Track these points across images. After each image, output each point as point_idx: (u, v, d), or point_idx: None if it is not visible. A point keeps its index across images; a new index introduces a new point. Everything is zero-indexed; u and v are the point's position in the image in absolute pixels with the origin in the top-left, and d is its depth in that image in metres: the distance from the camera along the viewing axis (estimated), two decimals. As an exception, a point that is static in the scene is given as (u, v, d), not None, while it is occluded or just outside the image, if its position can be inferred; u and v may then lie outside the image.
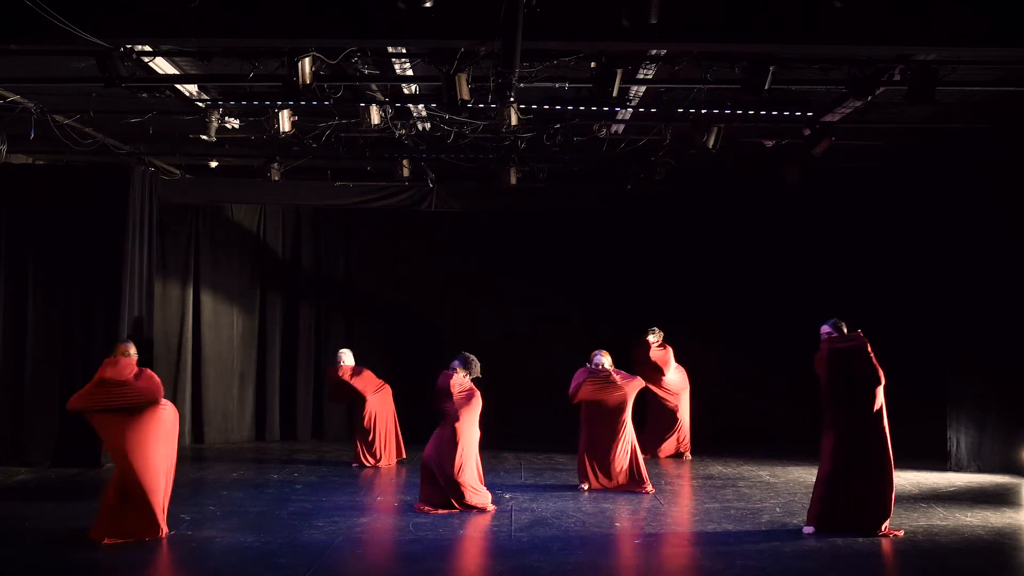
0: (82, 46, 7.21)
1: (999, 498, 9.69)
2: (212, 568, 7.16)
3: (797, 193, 12.01)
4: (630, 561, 7.59)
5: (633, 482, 9.91)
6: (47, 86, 9.06)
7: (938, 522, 8.57)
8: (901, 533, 8.04)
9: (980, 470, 11.01)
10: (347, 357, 11.53)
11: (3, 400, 11.03)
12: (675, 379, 12.08)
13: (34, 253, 11.18)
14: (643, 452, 10.26)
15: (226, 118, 9.78)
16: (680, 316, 13.21)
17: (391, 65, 8.38)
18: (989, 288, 10.98)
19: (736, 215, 13.43)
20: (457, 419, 8.86)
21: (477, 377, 9.20)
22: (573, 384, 10.03)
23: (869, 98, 8.47)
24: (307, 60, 7.63)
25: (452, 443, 8.82)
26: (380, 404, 11.43)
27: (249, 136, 10.54)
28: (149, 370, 7.94)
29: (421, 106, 9.71)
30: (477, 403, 9.07)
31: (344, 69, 8.37)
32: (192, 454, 12.11)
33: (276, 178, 11.99)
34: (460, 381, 9.06)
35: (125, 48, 7.61)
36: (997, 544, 7.95)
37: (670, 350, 12.08)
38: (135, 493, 7.58)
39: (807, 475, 10.43)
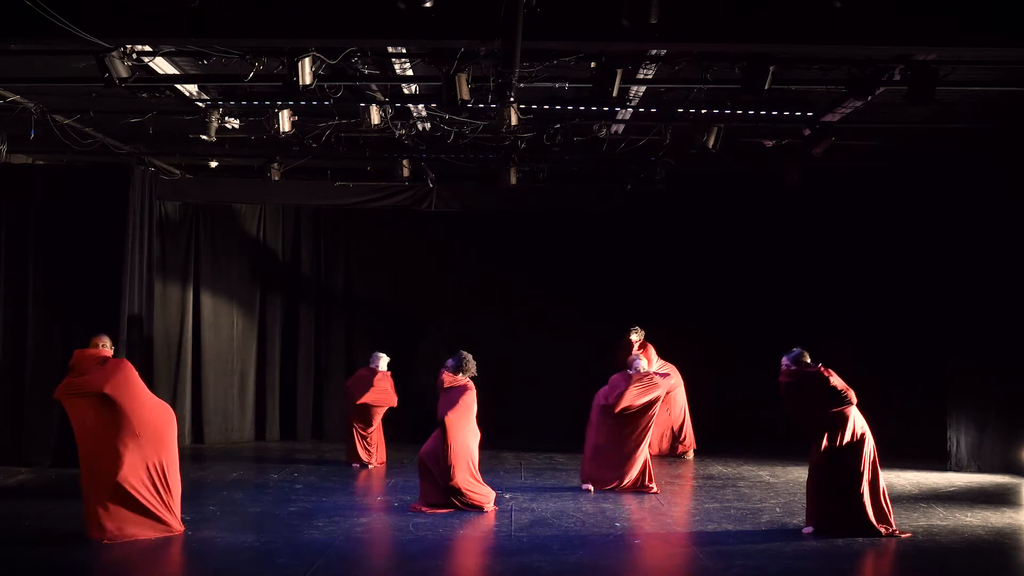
0: (82, 46, 7.21)
1: (999, 498, 9.70)
2: (212, 568, 7.17)
3: (797, 193, 12.00)
4: (630, 561, 7.59)
5: (642, 483, 9.91)
6: (47, 86, 9.05)
7: (938, 522, 8.57)
8: (908, 534, 8.02)
9: (980, 470, 11.02)
10: (385, 361, 11.48)
11: (3, 400, 11.04)
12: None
13: (34, 253, 11.17)
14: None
15: (226, 118, 9.77)
16: (680, 316, 13.23)
17: (391, 65, 8.38)
18: (989, 288, 10.99)
19: (736, 215, 13.43)
20: (443, 417, 8.82)
21: (474, 376, 9.15)
22: (613, 393, 9.90)
23: (869, 98, 8.47)
24: (307, 60, 7.62)
25: (443, 443, 8.80)
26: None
27: (249, 136, 10.54)
28: (114, 361, 7.85)
29: (421, 106, 9.71)
30: (468, 402, 8.96)
31: (344, 69, 8.37)
32: (192, 454, 12.11)
33: (276, 178, 11.99)
34: (451, 379, 9.02)
35: (125, 48, 7.61)
36: (997, 544, 7.95)
37: (651, 348, 12.12)
38: (114, 490, 7.56)
39: (807, 475, 10.42)
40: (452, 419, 8.81)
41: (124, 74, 7.68)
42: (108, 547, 7.42)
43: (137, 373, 8.10)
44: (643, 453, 9.95)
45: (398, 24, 6.91)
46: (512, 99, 8.57)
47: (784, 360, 8.20)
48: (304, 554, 7.28)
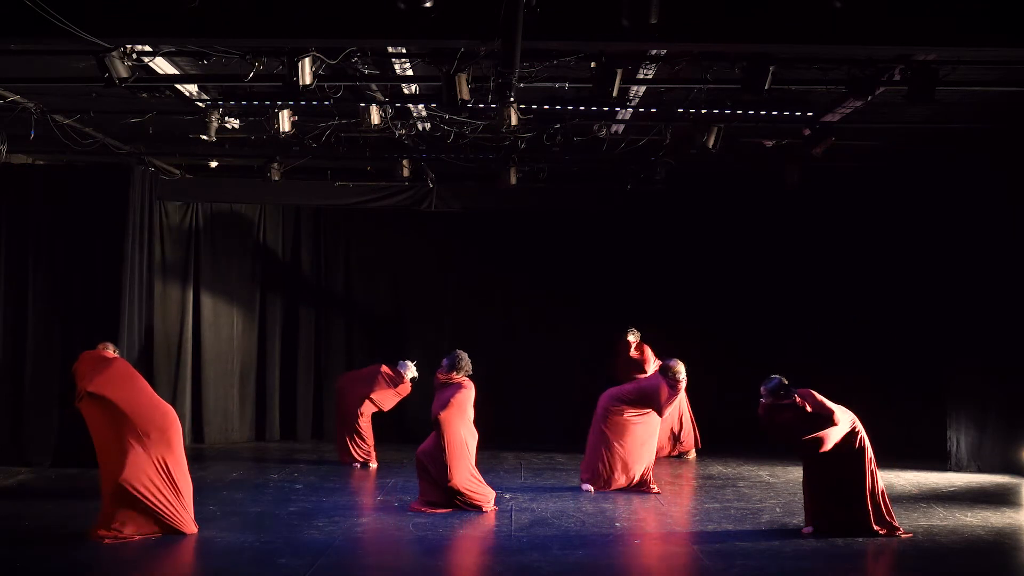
0: (82, 46, 7.21)
1: (999, 498, 9.70)
2: (212, 568, 7.17)
3: (797, 193, 12.00)
4: (630, 561, 7.59)
5: (643, 483, 9.91)
6: (47, 86, 9.06)
7: (938, 522, 8.57)
8: (910, 534, 8.01)
9: (980, 470, 11.02)
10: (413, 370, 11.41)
11: (3, 400, 11.03)
12: None
13: (34, 253, 11.17)
14: None
15: (226, 118, 9.77)
16: (680, 316, 13.23)
17: (391, 65, 8.38)
18: (989, 288, 10.99)
19: (736, 215, 13.43)
20: (437, 416, 8.80)
21: (469, 374, 9.11)
22: (660, 398, 9.72)
23: (869, 98, 8.47)
24: (307, 60, 7.62)
25: (438, 442, 8.78)
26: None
27: (249, 136, 10.54)
28: (106, 362, 7.91)
29: (421, 106, 9.71)
30: (462, 399, 8.90)
31: (344, 69, 8.37)
32: (192, 454, 12.04)
33: (276, 178, 11.99)
34: (445, 378, 8.99)
35: (125, 48, 7.61)
36: (997, 544, 7.95)
37: (647, 349, 12.14)
38: (120, 491, 7.58)
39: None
40: (446, 417, 8.78)
41: (124, 74, 7.68)
42: (108, 547, 7.41)
43: (137, 373, 8.11)
44: (650, 453, 9.94)
45: (398, 24, 6.91)
46: (512, 99, 8.57)
47: (762, 389, 8.06)
48: (304, 554, 7.28)
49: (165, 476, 7.72)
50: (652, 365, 11.95)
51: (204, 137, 9.63)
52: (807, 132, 10.17)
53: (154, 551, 7.40)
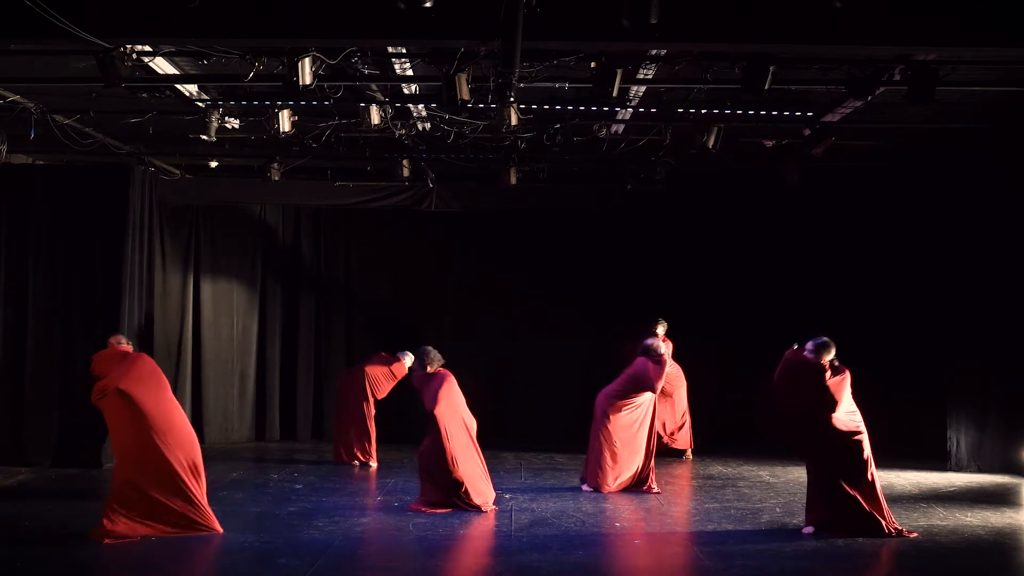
0: (82, 46, 7.20)
1: (999, 498, 9.70)
2: (212, 568, 7.17)
3: (797, 193, 12.00)
4: (630, 561, 7.59)
5: (644, 481, 9.91)
6: (47, 86, 9.05)
7: (938, 522, 8.56)
8: (914, 534, 8.01)
9: (980, 470, 11.02)
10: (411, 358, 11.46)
11: (3, 400, 11.03)
12: (673, 373, 12.13)
13: (34, 253, 11.17)
14: None
15: (226, 118, 9.77)
16: (680, 316, 13.19)
17: (391, 65, 8.38)
18: (989, 288, 10.99)
19: (736, 215, 13.42)
20: (431, 411, 8.80)
21: (443, 364, 9.13)
22: (649, 376, 9.91)
23: (869, 98, 8.47)
24: (307, 60, 7.62)
25: (438, 437, 8.78)
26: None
27: (249, 136, 10.54)
28: (133, 356, 7.97)
29: (421, 106, 9.71)
30: (448, 389, 8.90)
31: (344, 69, 8.37)
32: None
33: (276, 178, 11.99)
34: (422, 375, 9.02)
35: (125, 48, 7.61)
36: (997, 544, 7.95)
37: (671, 345, 12.11)
38: (138, 490, 7.62)
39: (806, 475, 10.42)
40: (440, 412, 8.79)
41: (124, 74, 7.69)
42: (108, 547, 7.41)
43: (161, 371, 8.11)
44: (644, 439, 9.94)
45: (398, 24, 6.91)
46: (512, 99, 8.57)
47: (809, 344, 8.07)
48: (304, 554, 7.28)
49: (190, 476, 7.74)
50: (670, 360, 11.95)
51: (204, 137, 9.63)
52: (807, 132, 10.17)
53: (154, 551, 7.39)
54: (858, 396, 8.17)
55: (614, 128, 10.52)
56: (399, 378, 11.41)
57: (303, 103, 9.14)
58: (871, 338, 12.64)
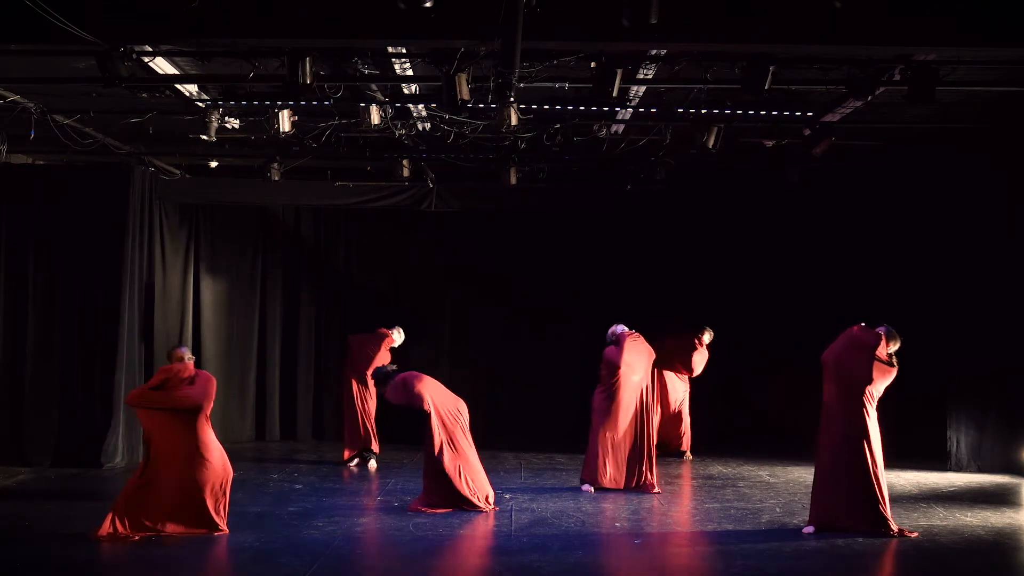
0: (82, 46, 7.20)
1: (999, 498, 9.70)
2: (212, 568, 7.17)
3: (797, 193, 12.00)
4: (630, 561, 7.59)
5: (644, 484, 9.91)
6: (47, 86, 9.05)
7: (938, 522, 8.57)
8: (914, 534, 8.01)
9: (980, 470, 11.02)
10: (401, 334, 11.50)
11: (3, 400, 11.03)
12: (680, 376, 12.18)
13: (34, 253, 11.17)
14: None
15: (226, 118, 9.77)
16: (680, 315, 13.20)
17: (391, 65, 8.37)
18: (989, 288, 10.99)
19: (736, 215, 13.42)
20: (423, 409, 8.81)
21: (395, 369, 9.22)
22: (615, 359, 10.02)
23: (869, 98, 8.47)
24: (307, 60, 7.62)
25: (429, 435, 8.80)
26: None
27: (249, 136, 10.54)
28: (205, 374, 8.05)
29: (421, 106, 9.71)
30: (425, 385, 8.89)
31: (344, 69, 8.37)
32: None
33: (276, 178, 11.98)
34: (393, 384, 8.99)
35: (125, 48, 7.61)
36: (997, 544, 7.95)
37: (706, 354, 12.08)
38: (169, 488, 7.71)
39: (807, 475, 10.40)
40: (430, 408, 8.78)
41: (124, 74, 7.69)
42: (108, 547, 7.43)
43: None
44: (646, 449, 9.95)
45: (398, 24, 6.91)
46: (512, 99, 8.57)
47: (883, 329, 8.23)
48: (304, 554, 7.28)
49: (220, 494, 7.89)
50: (699, 356, 11.97)
51: (204, 137, 9.62)
52: (807, 132, 10.17)
53: (154, 551, 7.40)
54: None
55: (614, 128, 10.52)
56: (382, 347, 11.33)
57: (303, 103, 9.14)
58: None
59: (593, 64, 7.86)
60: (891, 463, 10.63)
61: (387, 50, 8.08)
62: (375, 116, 9.18)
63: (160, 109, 9.60)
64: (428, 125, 10.40)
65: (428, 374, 9.28)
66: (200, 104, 9.41)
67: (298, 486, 10.10)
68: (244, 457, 12.13)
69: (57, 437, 10.94)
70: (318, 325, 13.79)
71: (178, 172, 12.95)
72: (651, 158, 11.52)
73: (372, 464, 11.28)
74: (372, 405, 11.33)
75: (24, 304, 11.14)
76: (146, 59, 8.02)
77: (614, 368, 9.98)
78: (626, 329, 10.26)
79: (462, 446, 8.88)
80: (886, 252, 12.74)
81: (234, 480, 10.31)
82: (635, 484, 9.90)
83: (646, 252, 13.67)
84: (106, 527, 7.61)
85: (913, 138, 11.04)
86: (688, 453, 12.09)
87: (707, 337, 12.08)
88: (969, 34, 6.98)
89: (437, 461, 8.76)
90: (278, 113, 9.26)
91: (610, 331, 10.31)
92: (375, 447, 11.32)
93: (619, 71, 7.80)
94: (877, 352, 8.09)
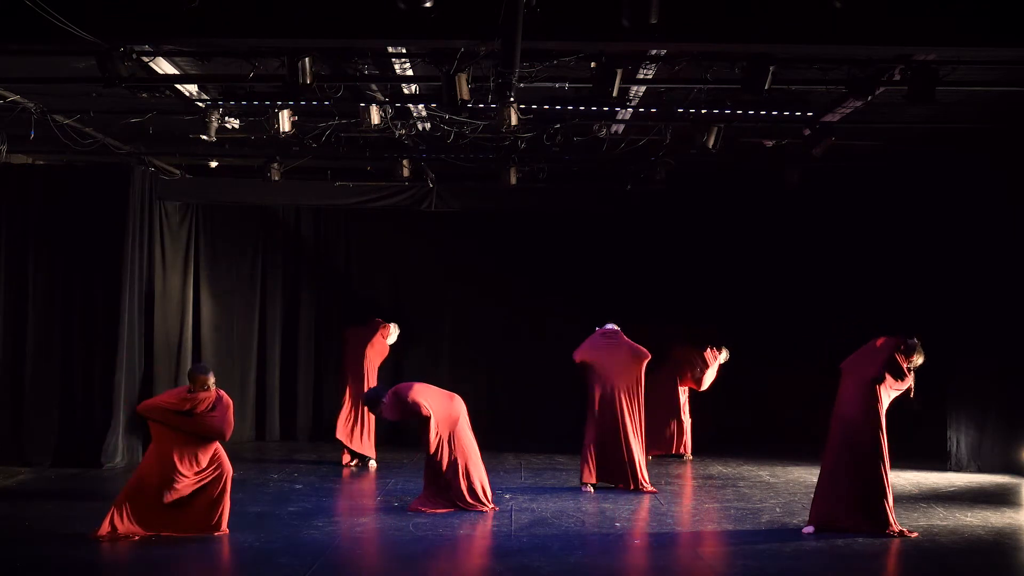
0: (82, 46, 7.20)
1: (999, 498, 9.70)
2: (212, 568, 7.17)
3: (797, 193, 12.00)
4: (630, 561, 7.59)
5: (640, 479, 9.92)
6: (47, 86, 9.05)
7: (938, 522, 8.57)
8: (914, 534, 8.01)
9: (980, 470, 11.02)
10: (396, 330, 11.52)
11: (3, 400, 11.03)
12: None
13: (34, 253, 11.17)
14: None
15: (226, 118, 9.77)
16: (680, 316, 13.21)
17: (391, 65, 8.37)
18: (989, 288, 10.99)
19: (736, 215, 13.42)
20: (423, 412, 8.80)
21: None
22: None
23: (869, 98, 8.47)
24: (307, 60, 7.63)
25: (426, 435, 8.80)
26: None
27: (249, 136, 10.53)
28: (227, 400, 8.09)
29: (421, 106, 9.71)
30: (418, 391, 8.87)
31: (344, 69, 8.37)
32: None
33: (276, 178, 11.98)
34: (388, 396, 8.95)
35: (125, 48, 7.61)
36: (997, 544, 7.96)
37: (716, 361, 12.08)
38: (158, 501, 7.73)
39: (807, 475, 10.43)
40: (428, 411, 8.77)
41: (124, 74, 7.69)
42: (108, 547, 7.43)
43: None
44: (627, 446, 9.94)
45: (398, 24, 6.91)
46: (512, 99, 8.56)
47: (912, 340, 8.21)
48: (304, 554, 7.28)
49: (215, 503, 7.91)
50: (711, 373, 11.94)
51: (204, 137, 9.62)
52: (807, 132, 10.17)
53: (154, 551, 7.40)
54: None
55: (614, 128, 10.52)
56: (374, 338, 11.34)
57: (303, 103, 9.14)
58: (871, 338, 12.63)
59: (593, 64, 7.86)
60: (891, 463, 10.66)
61: (387, 50, 8.08)
62: (375, 116, 9.18)
63: (160, 109, 9.60)
64: (428, 125, 10.40)
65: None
66: (200, 104, 9.41)
67: (298, 486, 10.10)
68: (244, 457, 12.12)
69: (57, 437, 10.94)
70: (318, 325, 13.79)
71: (178, 172, 12.95)
72: (651, 158, 11.52)
73: (372, 464, 11.29)
74: None
75: (24, 304, 11.14)
76: (146, 59, 8.02)
77: (581, 365, 10.10)
78: (608, 327, 10.33)
79: (462, 443, 8.88)
80: (886, 252, 12.74)
81: (234, 480, 10.34)
82: (625, 483, 9.86)
83: (646, 252, 13.67)
84: (106, 527, 7.61)
85: (913, 138, 11.04)
86: (688, 453, 12.08)
87: (723, 356, 11.99)
88: (969, 34, 6.98)
89: (436, 462, 8.78)
90: (278, 113, 9.26)
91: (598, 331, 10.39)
92: (372, 454, 11.31)
93: (619, 71, 7.79)
94: (896, 355, 8.09)
